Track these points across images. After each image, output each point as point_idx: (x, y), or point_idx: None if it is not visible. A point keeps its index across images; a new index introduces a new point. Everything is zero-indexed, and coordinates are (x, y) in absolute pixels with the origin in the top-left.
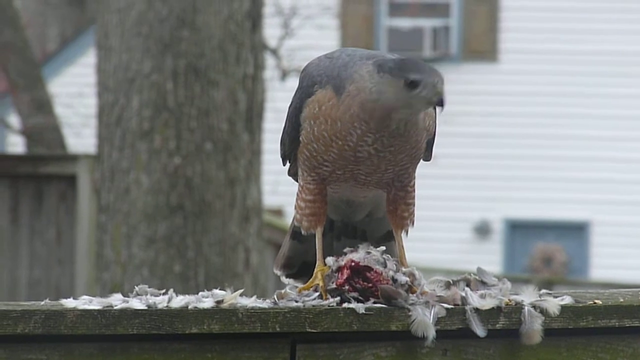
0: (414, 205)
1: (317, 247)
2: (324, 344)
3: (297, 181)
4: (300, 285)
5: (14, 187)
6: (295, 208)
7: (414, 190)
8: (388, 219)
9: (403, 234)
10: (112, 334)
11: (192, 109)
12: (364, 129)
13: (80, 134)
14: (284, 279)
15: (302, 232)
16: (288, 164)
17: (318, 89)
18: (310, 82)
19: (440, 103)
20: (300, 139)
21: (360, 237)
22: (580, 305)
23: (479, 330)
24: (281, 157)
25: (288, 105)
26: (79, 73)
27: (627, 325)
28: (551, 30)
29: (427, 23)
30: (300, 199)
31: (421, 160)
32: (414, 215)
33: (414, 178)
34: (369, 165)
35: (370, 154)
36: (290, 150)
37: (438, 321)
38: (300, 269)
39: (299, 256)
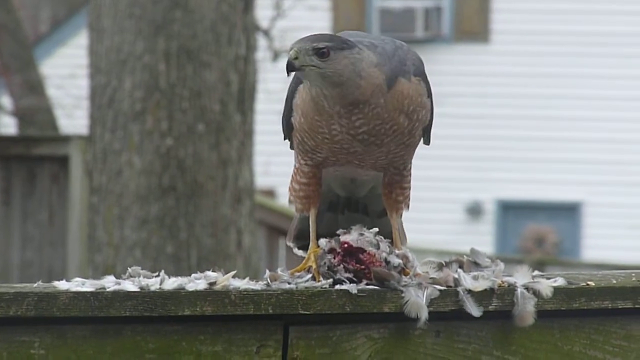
0: (409, 189)
1: (310, 229)
2: (317, 325)
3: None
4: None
5: (5, 168)
6: (289, 190)
7: (410, 175)
8: (383, 201)
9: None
10: (105, 316)
11: (184, 90)
12: (325, 117)
13: (72, 115)
14: (296, 251)
15: (296, 214)
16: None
17: None
18: None
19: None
20: (292, 123)
21: (362, 211)
22: (573, 286)
23: (474, 311)
24: (284, 136)
25: (287, 85)
26: (71, 54)
27: (620, 306)
28: (543, 11)
29: (418, 4)
30: (295, 181)
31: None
32: (409, 199)
33: (410, 163)
34: (359, 153)
35: (349, 140)
36: (287, 132)
37: (431, 302)
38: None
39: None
